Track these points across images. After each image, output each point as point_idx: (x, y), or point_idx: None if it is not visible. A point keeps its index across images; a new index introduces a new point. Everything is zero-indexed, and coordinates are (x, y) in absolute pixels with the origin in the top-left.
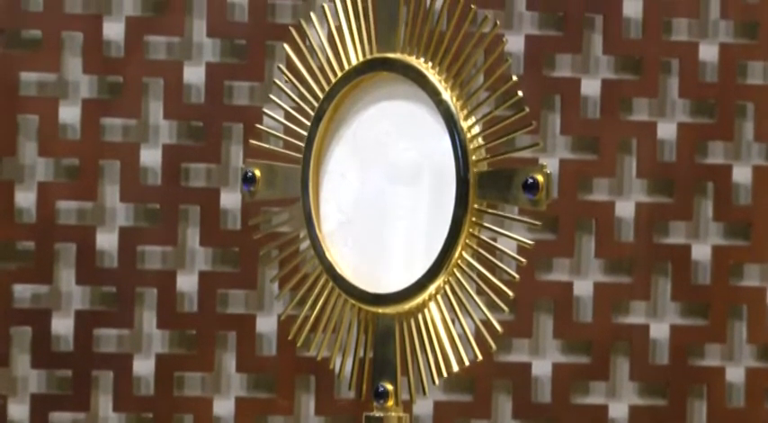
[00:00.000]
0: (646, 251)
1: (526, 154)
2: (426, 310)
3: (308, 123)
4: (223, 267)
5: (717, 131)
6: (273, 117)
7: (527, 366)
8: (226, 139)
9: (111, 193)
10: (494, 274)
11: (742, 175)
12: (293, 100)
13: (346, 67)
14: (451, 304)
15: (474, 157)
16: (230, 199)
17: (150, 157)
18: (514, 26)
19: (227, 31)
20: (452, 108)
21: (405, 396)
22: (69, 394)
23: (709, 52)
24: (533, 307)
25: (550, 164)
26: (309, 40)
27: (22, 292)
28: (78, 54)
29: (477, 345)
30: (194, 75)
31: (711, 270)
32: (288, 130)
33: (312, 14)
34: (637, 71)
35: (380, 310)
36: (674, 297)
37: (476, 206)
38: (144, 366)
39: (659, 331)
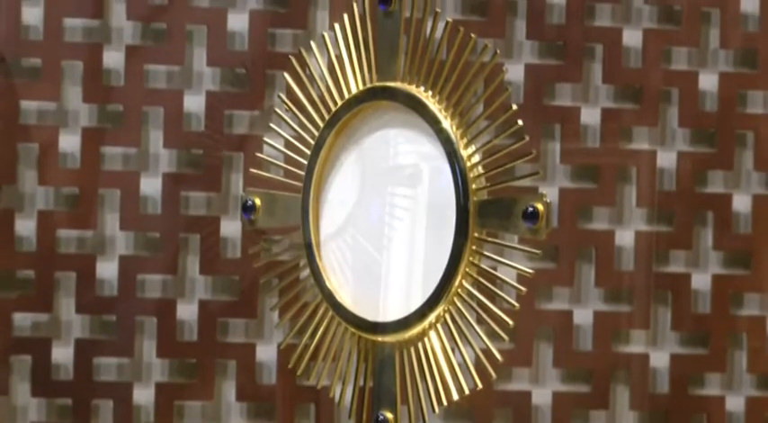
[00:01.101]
0: (646, 280)
1: (526, 183)
2: (426, 339)
3: (309, 152)
4: (223, 296)
5: (717, 160)
6: (274, 146)
7: (527, 395)
8: (226, 167)
9: (111, 221)
10: (494, 302)
11: (742, 203)
12: (293, 129)
13: (346, 95)
14: (452, 333)
15: (474, 186)
16: (230, 227)
17: (150, 185)
18: (514, 55)
19: (227, 60)
20: (452, 136)
21: None
22: None
23: (708, 81)
24: (533, 336)
25: (550, 193)
26: (310, 69)
27: (22, 320)
28: (78, 83)
29: (478, 373)
30: (194, 103)
31: (711, 299)
32: (288, 159)
33: (312, 43)
34: (637, 100)
35: (380, 339)
36: (674, 326)
37: (476, 235)
38: (144, 395)
39: (659, 360)
